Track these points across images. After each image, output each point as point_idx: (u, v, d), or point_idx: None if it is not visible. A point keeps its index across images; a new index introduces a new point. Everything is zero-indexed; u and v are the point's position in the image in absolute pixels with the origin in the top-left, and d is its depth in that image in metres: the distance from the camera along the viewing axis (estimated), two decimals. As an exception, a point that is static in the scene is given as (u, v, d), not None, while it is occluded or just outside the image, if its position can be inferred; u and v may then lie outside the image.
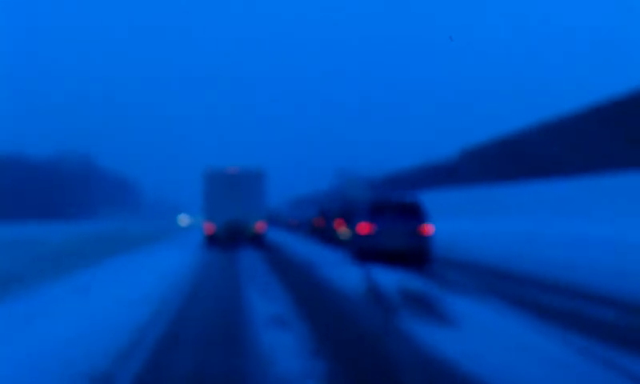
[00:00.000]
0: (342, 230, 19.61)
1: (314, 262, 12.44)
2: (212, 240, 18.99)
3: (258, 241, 19.23)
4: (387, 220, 11.76)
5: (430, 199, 35.25)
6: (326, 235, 23.02)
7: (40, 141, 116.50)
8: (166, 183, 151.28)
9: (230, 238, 19.26)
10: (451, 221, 26.84)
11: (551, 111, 29.03)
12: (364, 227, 11.86)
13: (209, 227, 18.80)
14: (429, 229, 11.62)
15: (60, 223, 71.31)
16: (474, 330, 5.36)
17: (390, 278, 9.21)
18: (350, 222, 18.47)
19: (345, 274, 9.86)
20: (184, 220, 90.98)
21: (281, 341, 4.89)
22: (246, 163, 20.54)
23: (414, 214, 11.82)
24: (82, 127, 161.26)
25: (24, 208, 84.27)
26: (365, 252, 11.99)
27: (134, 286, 8.63)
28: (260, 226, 18.90)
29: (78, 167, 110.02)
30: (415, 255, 11.62)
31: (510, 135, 33.23)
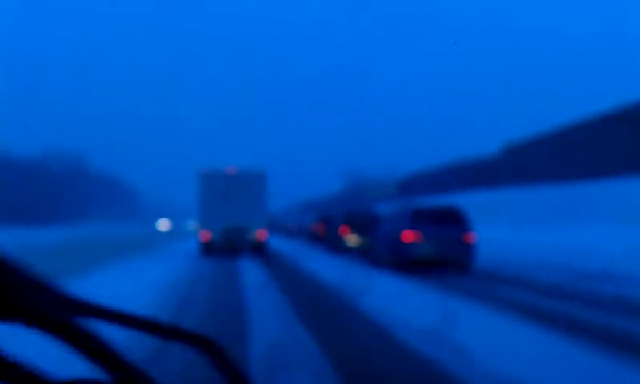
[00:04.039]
0: (349, 237, 20.49)
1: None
2: (208, 248, 18.91)
3: (259, 250, 19.12)
4: (431, 228, 13.07)
5: (474, 202, 35.22)
6: (325, 241, 24.37)
7: (28, 139, 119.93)
8: (165, 186, 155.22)
9: (227, 247, 19.13)
10: (515, 229, 25.36)
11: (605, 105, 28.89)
12: (408, 235, 13.19)
13: (204, 235, 18.67)
14: (472, 237, 13.05)
15: (39, 228, 72.07)
16: None
17: None
18: (360, 228, 19.87)
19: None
20: (164, 224, 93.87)
21: None
22: (245, 164, 20.12)
23: (457, 222, 13.20)
24: (74, 127, 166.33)
25: (9, 211, 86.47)
26: (406, 261, 13.34)
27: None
28: (261, 233, 18.79)
29: (68, 168, 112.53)
30: (458, 264, 13.08)
31: (563, 129, 33.25)
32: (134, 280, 11.62)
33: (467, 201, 35.22)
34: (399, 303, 8.34)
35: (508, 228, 27.61)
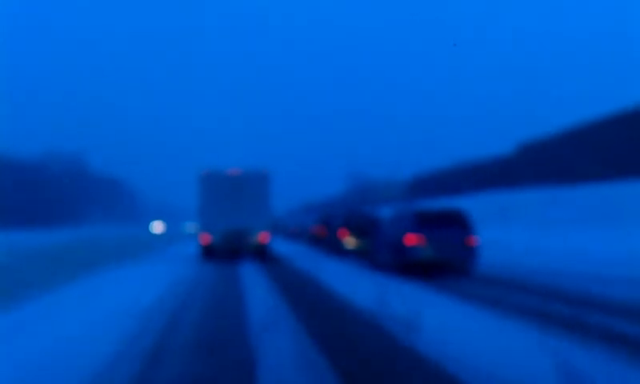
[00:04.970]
0: (347, 240, 20.79)
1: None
2: (208, 252, 18.82)
3: (262, 254, 19.09)
4: (434, 231, 13.09)
5: (487, 203, 34.64)
6: (325, 243, 24.85)
7: (27, 140, 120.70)
8: (166, 188, 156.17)
9: (228, 251, 19.03)
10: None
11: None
12: (410, 238, 13.30)
13: (204, 237, 18.55)
14: (475, 240, 13.26)
15: (37, 230, 71.59)
16: None
17: None
18: (358, 231, 20.21)
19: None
20: (158, 227, 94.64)
21: None
22: (247, 166, 19.13)
23: (460, 225, 13.28)
24: (74, 128, 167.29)
25: (7, 213, 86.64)
26: (408, 264, 13.36)
27: None
28: (264, 236, 18.65)
29: (68, 169, 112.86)
30: (460, 267, 13.31)
31: (580, 127, 32.48)
32: (99, 303, 9.32)
33: (480, 202, 35.15)
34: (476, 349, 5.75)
35: (522, 230, 27.22)
